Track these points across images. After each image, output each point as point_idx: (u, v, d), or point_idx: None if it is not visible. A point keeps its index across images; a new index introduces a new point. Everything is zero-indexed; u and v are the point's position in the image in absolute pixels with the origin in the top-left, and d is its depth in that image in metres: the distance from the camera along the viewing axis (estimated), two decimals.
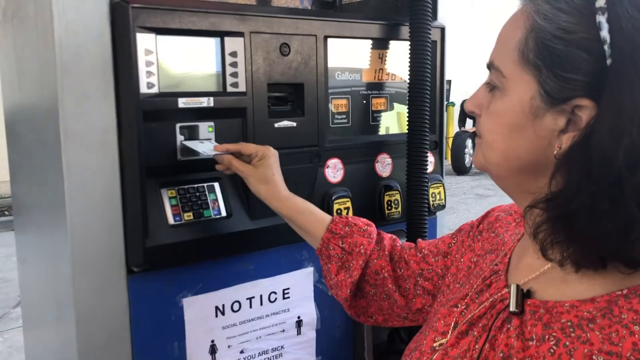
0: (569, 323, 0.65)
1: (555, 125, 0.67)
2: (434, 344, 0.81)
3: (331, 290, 1.13)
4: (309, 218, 1.13)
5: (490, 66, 0.75)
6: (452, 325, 0.81)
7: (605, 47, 0.63)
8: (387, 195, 1.45)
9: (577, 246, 0.65)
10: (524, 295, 0.73)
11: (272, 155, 1.15)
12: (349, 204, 1.37)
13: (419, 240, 1.12)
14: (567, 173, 0.66)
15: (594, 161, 0.62)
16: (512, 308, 0.72)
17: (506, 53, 0.72)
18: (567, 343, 0.64)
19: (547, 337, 0.66)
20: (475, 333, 0.76)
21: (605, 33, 0.63)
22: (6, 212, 7.75)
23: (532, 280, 0.74)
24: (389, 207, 1.46)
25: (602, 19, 0.63)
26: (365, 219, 1.14)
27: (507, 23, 0.74)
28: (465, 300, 0.83)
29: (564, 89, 0.66)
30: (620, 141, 0.61)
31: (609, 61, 0.63)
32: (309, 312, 1.40)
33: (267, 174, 1.14)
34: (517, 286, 0.74)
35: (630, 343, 0.59)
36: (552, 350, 0.65)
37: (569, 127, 0.67)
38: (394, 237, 1.14)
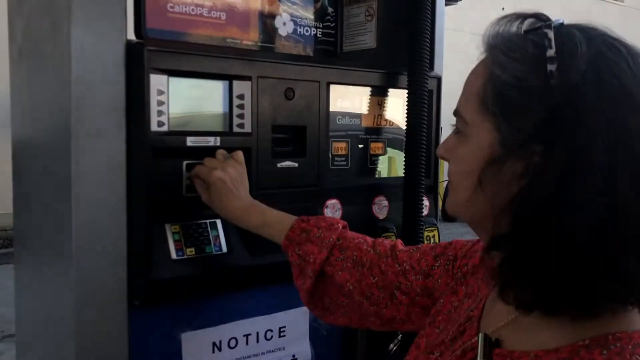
0: None
1: (513, 171, 0.68)
2: None
3: None
4: (267, 231, 1.17)
5: (455, 113, 0.78)
6: None
7: (556, 95, 0.65)
8: (383, 236, 1.48)
9: (516, 289, 0.67)
10: (492, 344, 0.73)
11: (215, 181, 1.15)
12: None
13: (398, 246, 1.11)
14: (512, 214, 0.67)
15: (532, 203, 0.64)
16: (480, 359, 0.73)
17: (468, 101, 0.74)
18: None
19: None
20: None
21: (555, 81, 0.65)
22: None
23: (501, 327, 0.74)
24: None
25: (552, 67, 0.65)
26: (332, 218, 1.16)
27: (471, 72, 0.77)
28: (441, 348, 0.83)
29: (519, 136, 0.67)
30: (550, 190, 0.62)
31: (558, 109, 0.64)
32: (304, 351, 1.41)
33: (214, 199, 1.16)
34: (485, 335, 0.74)
35: None
36: None
37: (527, 172, 0.67)
38: (372, 241, 1.13)
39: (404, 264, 1.06)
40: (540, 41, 0.68)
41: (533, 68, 0.67)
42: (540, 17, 0.73)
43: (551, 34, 0.67)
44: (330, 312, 1.15)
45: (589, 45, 0.66)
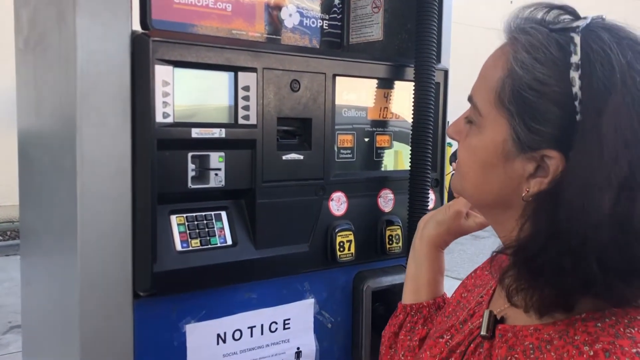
0: (531, 345, 0.69)
1: (523, 170, 0.69)
2: None
3: (387, 350, 1.08)
4: (438, 278, 1.08)
5: (470, 100, 0.77)
6: (438, 355, 0.84)
7: (576, 103, 0.64)
8: (388, 230, 1.48)
9: (540, 295, 0.67)
10: (497, 320, 0.76)
11: (476, 229, 1.06)
12: (351, 237, 1.40)
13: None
14: (534, 223, 0.67)
15: (561, 217, 0.64)
16: (483, 332, 0.76)
17: (485, 92, 0.73)
18: None
19: (509, 358, 0.70)
20: (453, 359, 0.80)
21: (577, 89, 0.64)
22: (0, 237, 7.72)
23: (507, 308, 0.77)
24: (390, 242, 1.48)
25: (575, 75, 0.64)
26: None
27: (490, 59, 0.75)
28: (451, 331, 0.86)
29: (533, 139, 0.67)
30: (586, 200, 0.62)
31: (578, 117, 0.64)
32: (309, 344, 1.41)
33: (456, 231, 1.06)
34: (490, 312, 0.77)
35: None
36: None
37: (537, 172, 0.69)
38: None
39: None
40: (566, 44, 0.66)
41: (555, 72, 0.66)
42: (567, 10, 0.71)
43: (577, 39, 0.65)
44: None
45: (618, 52, 0.64)
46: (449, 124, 0.85)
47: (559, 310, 0.67)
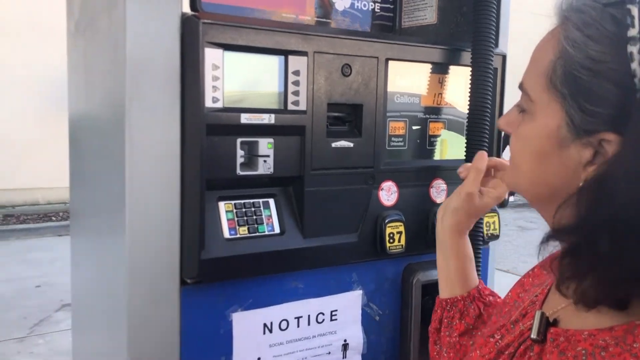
0: (584, 351, 0.64)
1: (580, 157, 0.65)
2: None
3: (433, 347, 1.06)
4: (467, 265, 1.05)
5: (520, 87, 0.74)
6: (487, 355, 0.80)
7: (636, 80, 0.60)
8: None
9: (583, 285, 0.62)
10: (549, 323, 0.72)
11: (493, 203, 1.06)
12: (401, 229, 1.36)
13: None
14: (579, 208, 0.63)
15: (605, 202, 0.59)
16: (534, 335, 0.71)
17: (535, 77, 0.70)
18: None
19: None
20: None
21: (635, 65, 0.60)
22: (53, 218, 7.98)
23: (561, 309, 0.73)
24: None
25: (633, 49, 0.60)
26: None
27: (540, 44, 0.72)
28: (501, 331, 0.82)
29: (589, 122, 0.63)
30: (633, 184, 0.58)
31: (638, 95, 0.60)
32: (356, 336, 1.38)
33: (474, 212, 1.04)
34: (542, 314, 0.72)
35: None
36: None
37: (596, 159, 0.64)
38: None
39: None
40: (622, 17, 0.62)
41: (610, 48, 0.62)
42: None
43: (635, 11, 0.61)
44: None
45: None
46: (503, 116, 0.81)
47: (606, 303, 0.63)
